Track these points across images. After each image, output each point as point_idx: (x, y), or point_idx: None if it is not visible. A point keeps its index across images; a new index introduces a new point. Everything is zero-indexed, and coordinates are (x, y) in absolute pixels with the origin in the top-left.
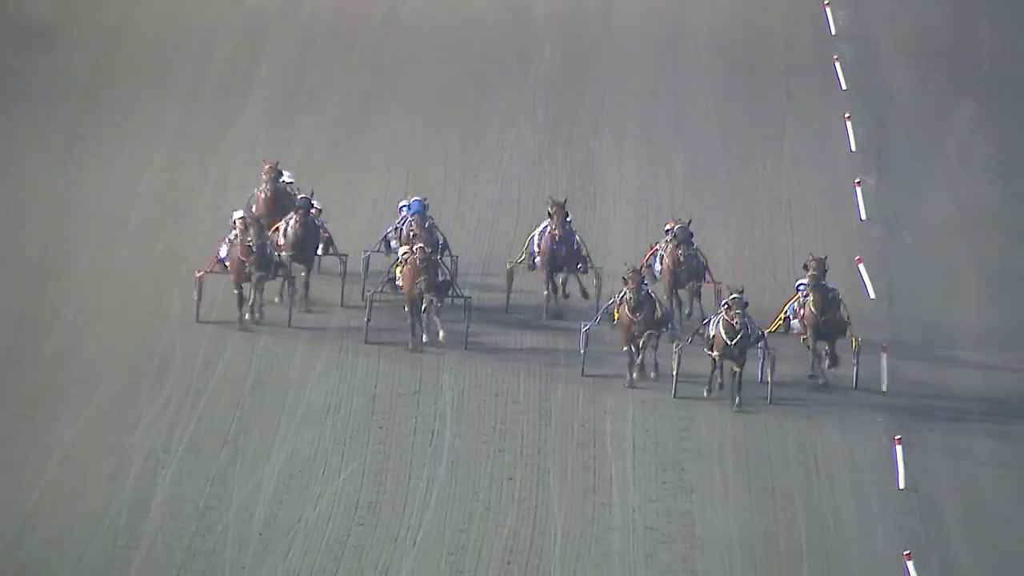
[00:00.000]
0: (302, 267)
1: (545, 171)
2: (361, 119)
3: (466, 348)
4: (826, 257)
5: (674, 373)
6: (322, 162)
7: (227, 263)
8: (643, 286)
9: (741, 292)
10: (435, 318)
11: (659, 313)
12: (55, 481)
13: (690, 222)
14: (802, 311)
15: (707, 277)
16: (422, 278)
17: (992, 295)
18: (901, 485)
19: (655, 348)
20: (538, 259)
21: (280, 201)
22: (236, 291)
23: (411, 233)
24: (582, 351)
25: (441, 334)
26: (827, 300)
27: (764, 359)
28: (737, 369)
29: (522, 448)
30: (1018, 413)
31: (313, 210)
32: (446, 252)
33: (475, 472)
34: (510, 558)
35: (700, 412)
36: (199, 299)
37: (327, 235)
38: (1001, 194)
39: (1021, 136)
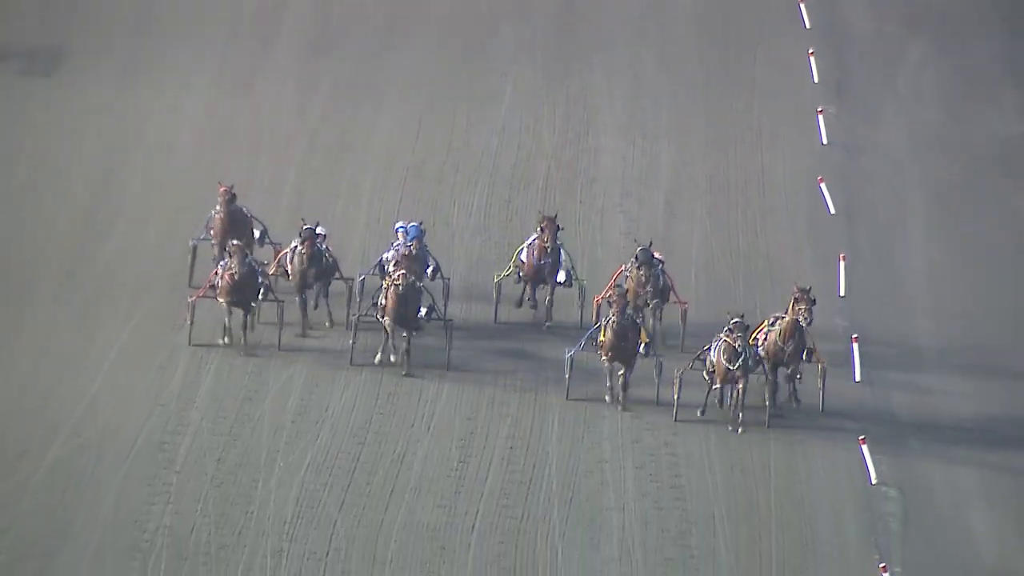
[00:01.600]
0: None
1: (543, 101)
2: (379, 57)
3: (448, 370)
4: (810, 287)
5: (675, 397)
6: (346, 94)
7: (217, 289)
8: (626, 311)
9: (742, 317)
10: (407, 350)
11: (642, 340)
12: (111, 374)
13: (651, 243)
14: (766, 338)
15: (672, 297)
16: (406, 306)
17: (939, 211)
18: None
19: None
20: (523, 272)
21: (236, 222)
22: (227, 315)
23: (404, 262)
24: (567, 375)
25: (404, 372)
26: (797, 329)
27: (766, 383)
28: (739, 390)
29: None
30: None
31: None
32: (438, 275)
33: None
34: (512, 443)
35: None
36: (191, 323)
37: (333, 259)
38: (947, 122)
39: (966, 70)
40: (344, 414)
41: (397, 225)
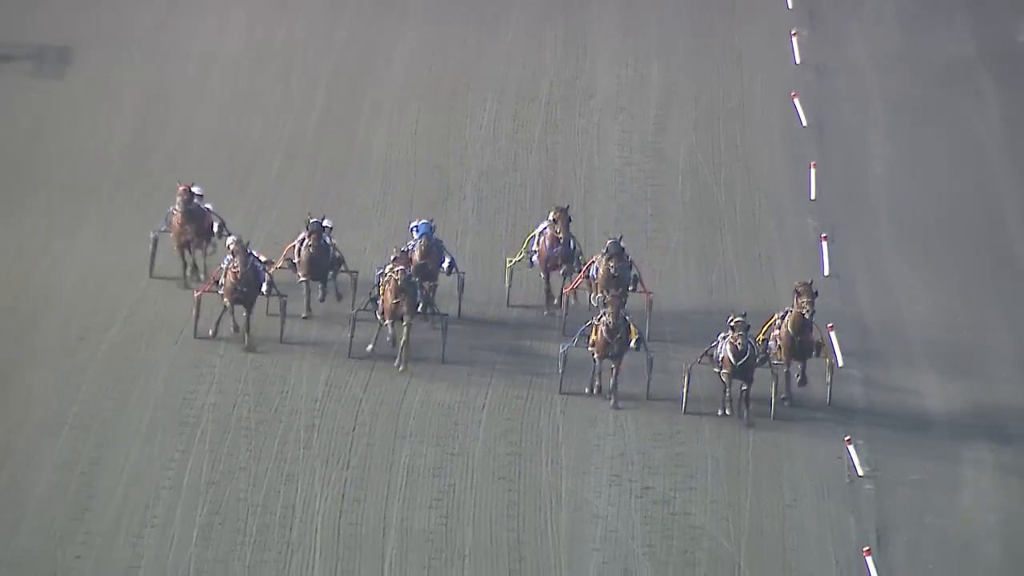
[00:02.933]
0: (318, 283)
1: (545, 28)
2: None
3: (443, 362)
4: (812, 280)
5: (684, 391)
6: (370, 20)
7: (222, 286)
8: (621, 310)
9: (744, 315)
10: (406, 347)
11: (633, 336)
12: (160, 270)
13: (621, 238)
14: (778, 332)
15: (640, 287)
16: (402, 299)
17: (899, 123)
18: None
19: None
20: (536, 259)
21: (194, 219)
22: (231, 311)
23: (418, 257)
24: (560, 371)
25: (401, 368)
26: (804, 323)
27: (772, 378)
28: (745, 387)
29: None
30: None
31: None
32: (453, 270)
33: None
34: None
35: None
36: (197, 317)
37: (339, 254)
38: (906, 42)
39: None
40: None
41: (412, 224)
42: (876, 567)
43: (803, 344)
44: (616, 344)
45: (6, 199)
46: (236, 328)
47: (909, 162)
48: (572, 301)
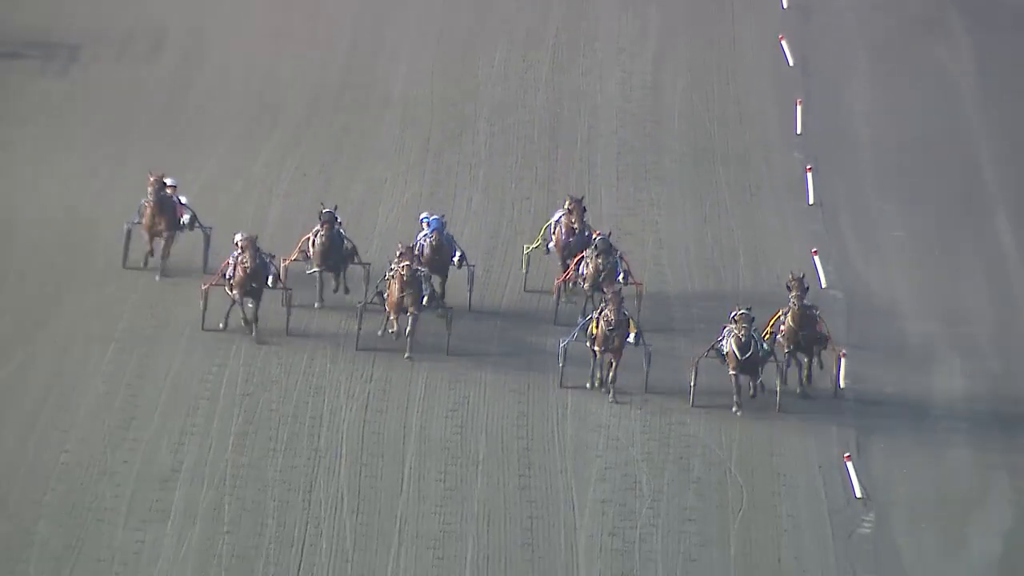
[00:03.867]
0: (331, 274)
1: None
2: None
3: (447, 354)
4: (804, 275)
5: (692, 384)
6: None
7: (231, 280)
8: (621, 306)
9: (749, 309)
10: (411, 337)
11: (632, 330)
12: (201, 194)
13: (610, 234)
14: (783, 327)
15: (630, 280)
16: (407, 292)
17: (880, 63)
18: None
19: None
20: (552, 246)
21: (165, 210)
22: (239, 304)
23: (428, 251)
24: (560, 364)
25: (407, 355)
26: (805, 316)
27: (776, 371)
28: (753, 383)
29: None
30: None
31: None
32: (464, 263)
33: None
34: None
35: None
36: (204, 309)
37: (352, 245)
38: None
39: None
40: (392, 229)
41: (422, 216)
42: (855, 470)
43: (808, 338)
44: (616, 338)
45: (58, 130)
46: (245, 321)
47: (888, 100)
48: (566, 300)
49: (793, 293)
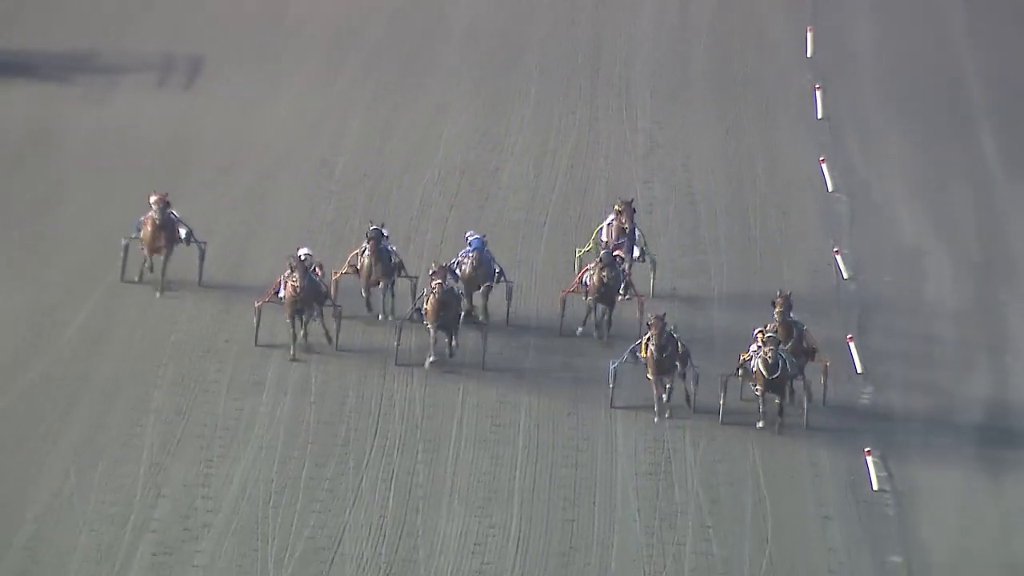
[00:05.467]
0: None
1: None
2: None
3: (484, 369)
4: (791, 293)
5: (721, 402)
6: None
7: (282, 299)
8: (665, 329)
9: (776, 332)
10: (454, 344)
11: (680, 351)
12: (289, 115)
13: (614, 249)
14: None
15: (632, 293)
16: (444, 309)
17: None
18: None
19: (687, 376)
20: (603, 249)
21: (166, 228)
22: (289, 322)
23: (468, 269)
24: (611, 385)
25: (438, 356)
26: (790, 331)
27: (802, 388)
28: (778, 401)
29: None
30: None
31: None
32: (502, 279)
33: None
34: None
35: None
36: (258, 326)
37: (399, 260)
38: None
39: None
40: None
41: (468, 235)
42: (858, 349)
43: (793, 351)
44: (666, 361)
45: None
46: (295, 337)
47: (889, 26)
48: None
49: (777, 309)
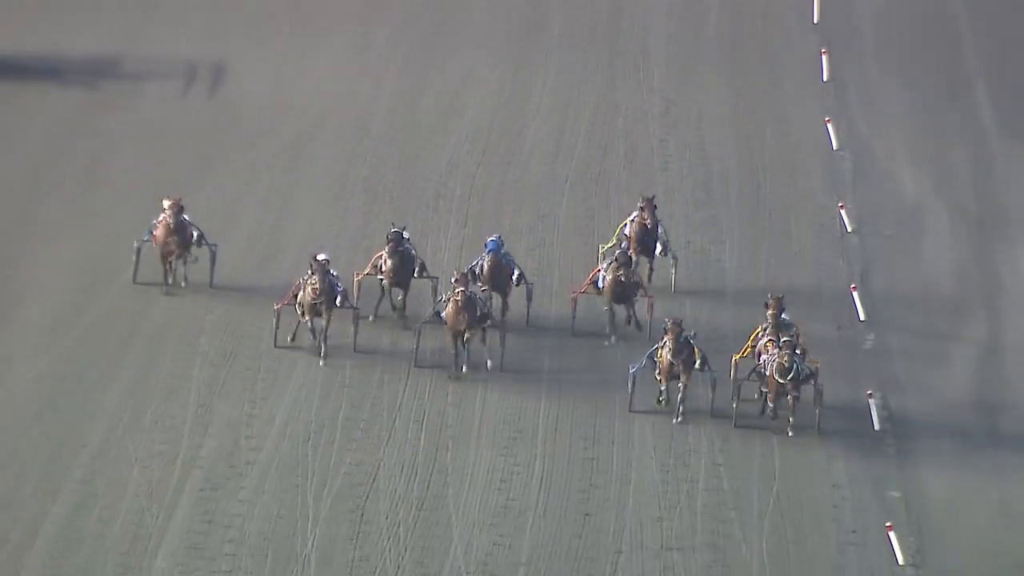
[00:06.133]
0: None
1: None
2: None
3: (501, 371)
4: (783, 296)
5: (734, 405)
6: None
7: (300, 301)
8: (681, 334)
9: (792, 336)
10: (483, 346)
11: (696, 357)
12: (325, 76)
13: (629, 248)
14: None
15: (642, 292)
16: (464, 315)
17: None
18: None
19: (706, 380)
20: (626, 244)
21: (179, 232)
22: (308, 323)
23: (486, 266)
24: (630, 389)
25: (489, 364)
26: (783, 331)
27: (814, 392)
28: (791, 401)
29: None
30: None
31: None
32: (522, 281)
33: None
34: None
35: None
36: (277, 327)
37: (420, 261)
38: None
39: None
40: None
41: (489, 240)
42: (860, 299)
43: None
44: (680, 365)
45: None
46: (314, 337)
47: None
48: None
49: (770, 311)
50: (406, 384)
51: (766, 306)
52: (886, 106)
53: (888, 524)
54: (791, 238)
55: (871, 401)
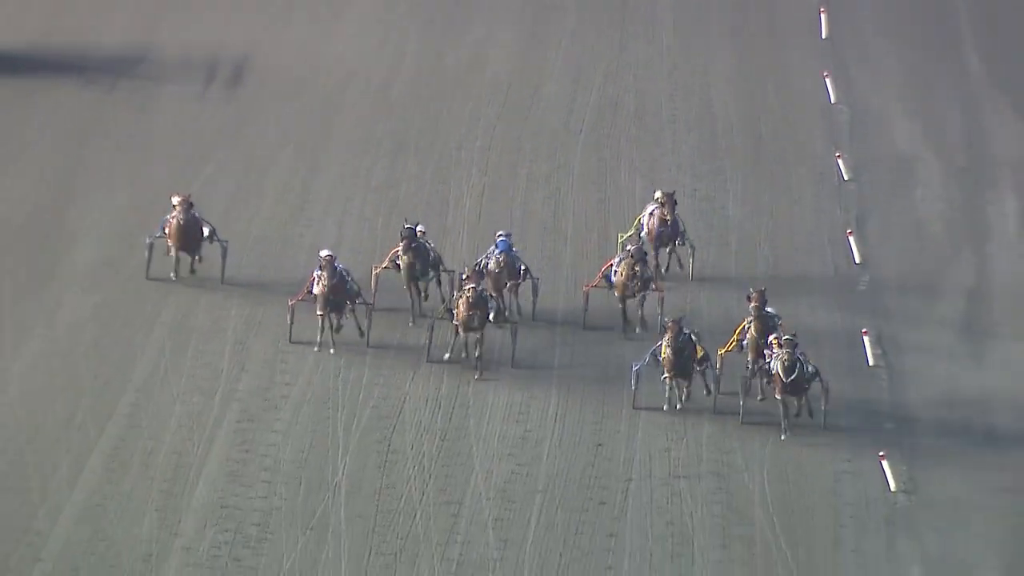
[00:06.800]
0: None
1: None
2: None
3: (512, 366)
4: (765, 289)
5: (741, 402)
6: None
7: (314, 296)
8: (682, 332)
9: (794, 335)
10: (481, 350)
11: (699, 354)
12: (352, 33)
13: (643, 243)
14: (746, 337)
15: (653, 286)
16: (475, 312)
17: None
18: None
19: (707, 377)
20: (645, 234)
21: (189, 226)
22: (320, 314)
23: (494, 267)
24: (633, 387)
25: (477, 375)
26: (767, 325)
27: (821, 390)
28: (798, 403)
29: None
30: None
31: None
32: (528, 276)
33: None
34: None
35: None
36: (291, 323)
37: (436, 255)
38: None
39: None
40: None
41: (498, 234)
42: (856, 243)
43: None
44: (682, 363)
45: None
46: (322, 331)
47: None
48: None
49: (753, 304)
50: (431, 331)
51: (748, 299)
52: (881, 62)
53: (881, 453)
54: (791, 186)
55: (865, 338)
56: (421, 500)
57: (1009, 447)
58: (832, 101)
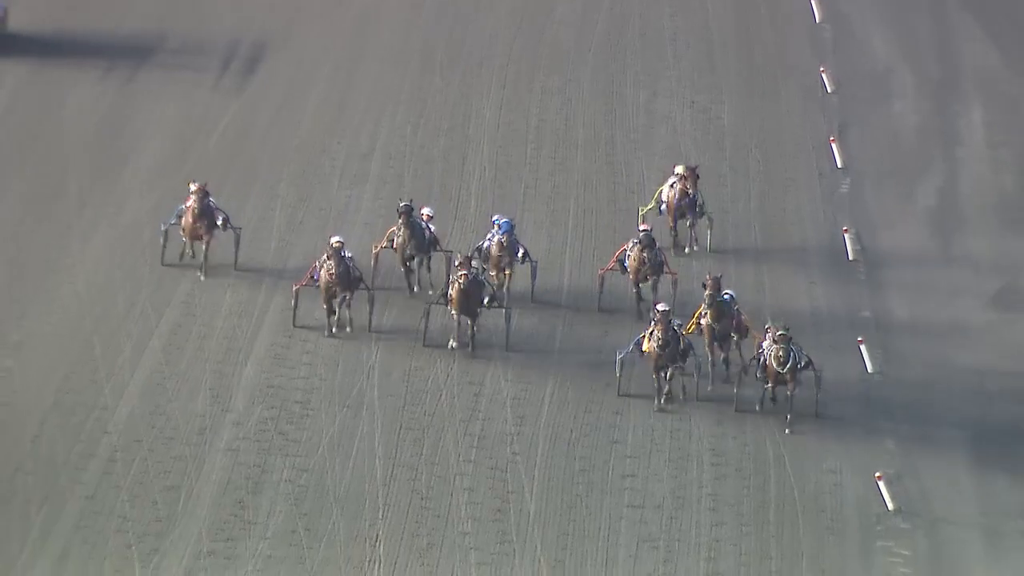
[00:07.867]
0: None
1: None
2: None
3: (507, 350)
4: (721, 276)
5: (735, 391)
6: None
7: (318, 283)
8: (670, 326)
9: (787, 329)
10: (473, 332)
11: (682, 346)
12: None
13: (652, 229)
14: (703, 322)
15: (666, 269)
16: (468, 297)
17: None
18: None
19: (681, 372)
20: (664, 207)
21: (205, 216)
22: (324, 306)
23: (495, 250)
24: (618, 374)
25: (461, 345)
26: (722, 311)
27: (814, 378)
28: (789, 392)
29: None
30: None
31: (425, 213)
32: (527, 259)
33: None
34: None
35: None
36: (296, 308)
37: (433, 234)
38: None
39: None
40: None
41: (494, 217)
42: (838, 149)
43: (724, 328)
44: (667, 355)
45: None
46: (329, 316)
47: None
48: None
49: (708, 292)
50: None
51: (704, 286)
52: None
53: (860, 338)
54: (780, 98)
55: (846, 236)
56: (446, 381)
57: (974, 333)
58: (817, 21)
